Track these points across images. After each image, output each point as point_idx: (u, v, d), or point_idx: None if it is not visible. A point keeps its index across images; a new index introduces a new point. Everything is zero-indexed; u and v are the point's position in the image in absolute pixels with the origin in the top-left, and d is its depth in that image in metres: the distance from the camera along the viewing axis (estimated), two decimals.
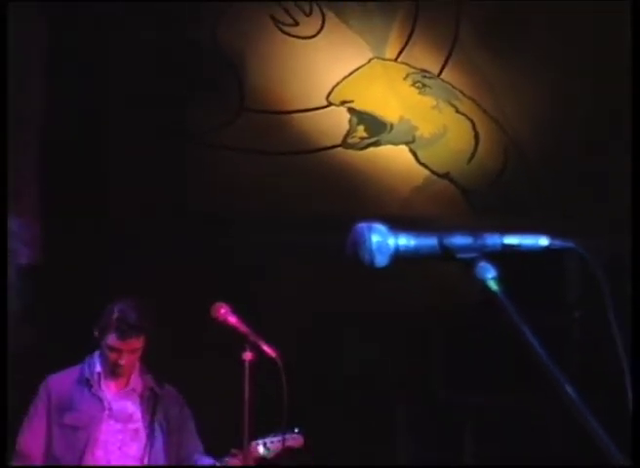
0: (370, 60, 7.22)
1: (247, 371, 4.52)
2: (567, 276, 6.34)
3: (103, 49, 6.84)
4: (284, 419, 4.34)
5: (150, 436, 5.12)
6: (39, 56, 6.65)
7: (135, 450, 5.12)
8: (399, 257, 1.97)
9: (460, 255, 1.98)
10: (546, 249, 2.04)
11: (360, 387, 6.53)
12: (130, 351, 5.03)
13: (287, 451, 5.11)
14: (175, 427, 5.20)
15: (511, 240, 2.02)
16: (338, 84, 7.22)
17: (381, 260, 1.96)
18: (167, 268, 6.37)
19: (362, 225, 1.97)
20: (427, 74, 7.24)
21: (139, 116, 6.93)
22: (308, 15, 7.16)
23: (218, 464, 5.05)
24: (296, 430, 5.08)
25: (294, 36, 7.17)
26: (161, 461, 5.15)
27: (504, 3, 7.03)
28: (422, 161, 7.25)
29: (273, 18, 7.11)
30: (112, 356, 5.04)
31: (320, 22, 7.15)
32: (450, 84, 7.23)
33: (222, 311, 4.73)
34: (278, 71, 7.18)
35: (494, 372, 5.80)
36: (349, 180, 7.13)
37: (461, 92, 7.24)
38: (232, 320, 4.68)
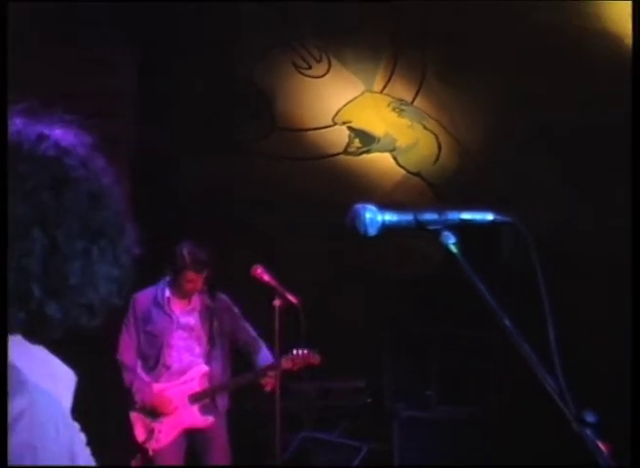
0: (363, 93, 7.17)
1: (277, 314, 4.48)
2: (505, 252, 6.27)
3: (176, 87, 6.77)
4: (302, 343, 4.28)
5: (210, 340, 5.09)
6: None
7: (198, 351, 5.10)
8: (385, 229, 1.93)
9: (429, 227, 1.94)
10: (492, 222, 1.98)
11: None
12: (202, 279, 4.97)
13: (308, 366, 5.08)
14: (227, 329, 5.14)
15: (466, 215, 1.97)
16: (340, 109, 7.17)
17: (372, 231, 1.92)
18: (222, 241, 6.32)
19: (358, 206, 1.94)
20: (404, 102, 7.19)
21: (201, 135, 6.88)
22: (319, 61, 7.10)
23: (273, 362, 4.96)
24: (316, 350, 5.04)
25: (308, 76, 7.11)
26: (220, 356, 5.11)
27: (459, 49, 6.97)
28: (401, 164, 7.22)
29: (294, 63, 7.05)
30: (189, 286, 4.97)
31: (327, 66, 7.09)
32: (420, 109, 7.18)
33: (259, 271, 4.69)
34: (298, 101, 7.14)
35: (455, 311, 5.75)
36: (348, 178, 7.09)
37: (428, 114, 7.19)
38: (266, 277, 4.64)
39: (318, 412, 6.01)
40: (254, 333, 5.20)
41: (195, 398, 5.04)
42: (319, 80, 7.10)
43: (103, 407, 5.64)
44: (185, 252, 4.92)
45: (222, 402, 5.14)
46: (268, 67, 7.04)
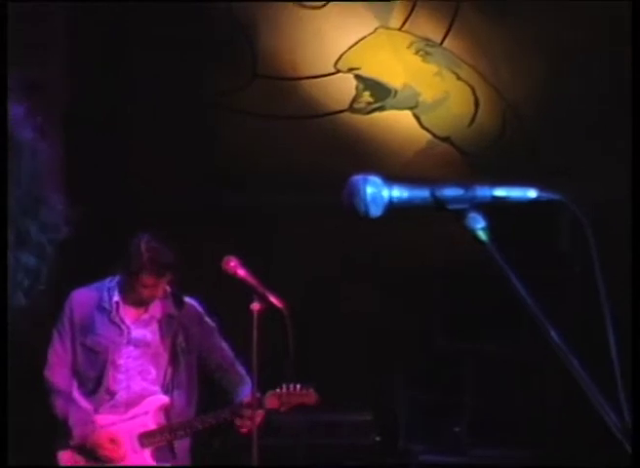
0: (375, 30, 7.17)
1: (255, 322, 4.47)
2: (565, 230, 6.29)
3: (122, 16, 6.76)
4: (290, 366, 4.28)
5: (172, 361, 5.03)
6: (62, 25, 6.57)
7: (154, 375, 5.04)
8: (393, 208, 1.93)
9: (450, 206, 1.93)
10: (535, 200, 1.98)
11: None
12: (163, 284, 4.93)
13: (299, 405, 5.08)
14: (196, 345, 5.07)
15: (500, 192, 1.97)
16: (345, 52, 7.17)
17: (375, 211, 1.91)
18: (181, 225, 6.33)
19: (357, 177, 1.93)
20: (430, 42, 7.19)
21: (154, 82, 6.87)
22: None
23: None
24: (311, 387, 5.04)
25: (303, 6, 7.09)
26: (184, 383, 5.05)
27: None
28: (425, 125, 7.22)
29: None
30: (146, 292, 4.91)
31: None
32: (451, 52, 7.18)
33: (232, 264, 4.66)
34: (288, 40, 7.13)
35: (490, 322, 5.76)
36: (355, 143, 7.09)
37: (462, 59, 7.19)
38: (241, 272, 4.61)
39: (308, 453, 6.03)
40: (231, 356, 5.15)
41: (148, 439, 5.00)
42: (317, 12, 7.09)
43: None
44: (144, 248, 4.83)
45: (182, 445, 5.12)
46: None
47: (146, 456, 5.02)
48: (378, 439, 6.09)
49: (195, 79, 7.03)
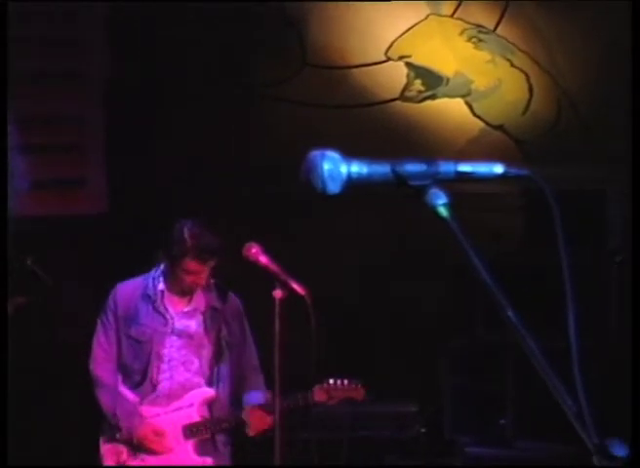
0: (427, 17, 7.11)
1: (277, 309, 4.42)
2: (610, 221, 6.16)
3: (172, 8, 6.78)
4: (313, 355, 4.22)
5: (217, 353, 5.01)
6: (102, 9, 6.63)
7: (197, 366, 5.02)
8: (352, 185, 1.87)
9: (412, 182, 1.86)
10: (501, 176, 1.90)
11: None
12: (207, 271, 4.90)
13: (348, 400, 5.05)
14: (236, 341, 5.06)
15: (465, 167, 1.89)
16: (396, 39, 7.12)
17: (333, 187, 1.85)
18: (227, 215, 6.33)
19: (315, 153, 1.88)
20: (483, 29, 7.11)
21: (204, 71, 6.88)
22: None
23: (267, 398, 4.97)
24: (359, 382, 5.01)
25: None
26: (226, 380, 5.04)
27: None
28: (477, 113, 7.13)
29: None
30: (189, 278, 4.88)
31: None
32: (505, 38, 7.10)
33: (254, 251, 4.60)
34: (338, 28, 7.10)
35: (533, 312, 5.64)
36: (406, 132, 7.03)
37: (516, 46, 7.09)
38: (263, 259, 4.54)
39: (353, 446, 5.98)
40: (257, 360, 5.15)
41: (192, 431, 4.97)
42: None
43: None
44: (187, 234, 4.80)
45: (223, 439, 5.12)
46: None
47: (190, 448, 5.01)
48: (423, 430, 6.02)
49: (244, 69, 7.01)
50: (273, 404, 4.67)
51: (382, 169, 1.88)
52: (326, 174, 1.85)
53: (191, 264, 4.84)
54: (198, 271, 4.87)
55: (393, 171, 1.87)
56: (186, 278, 4.90)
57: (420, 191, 1.86)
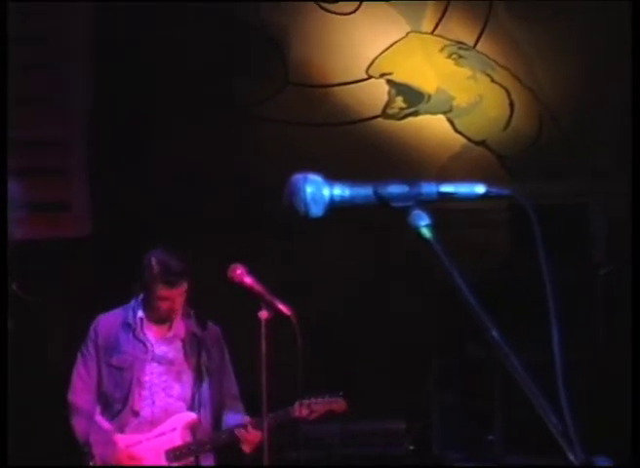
0: (407, 34, 7.13)
1: (263, 330, 4.44)
2: (594, 234, 6.18)
3: (151, 23, 6.79)
4: (299, 376, 4.24)
5: (197, 378, 5.06)
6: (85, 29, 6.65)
7: (178, 392, 5.06)
8: (334, 207, 1.89)
9: (394, 204, 1.88)
10: (483, 196, 1.92)
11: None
12: (180, 295, 4.96)
13: (329, 414, 5.07)
14: (216, 368, 5.12)
15: (447, 188, 1.91)
16: (376, 57, 7.14)
17: (316, 211, 1.88)
18: (206, 232, 6.35)
19: (297, 176, 1.90)
20: (463, 46, 7.13)
21: (186, 89, 6.89)
22: None
23: (247, 421, 4.99)
24: (340, 394, 5.03)
25: (333, 12, 7.07)
26: (207, 404, 5.08)
27: None
28: (459, 129, 7.15)
29: None
30: (164, 305, 4.96)
31: None
32: (485, 55, 7.12)
33: (238, 272, 4.64)
34: (319, 47, 7.12)
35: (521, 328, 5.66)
36: (389, 149, 7.05)
37: (496, 62, 7.12)
38: (248, 280, 4.59)
39: (342, 463, 5.98)
40: (236, 389, 5.19)
41: (176, 455, 4.99)
42: (348, 18, 7.06)
43: None
44: (154, 261, 4.91)
45: (207, 461, 5.13)
46: (280, 2, 7.03)
47: None
48: (411, 448, 6.02)
49: (226, 87, 7.03)
50: (256, 423, 4.78)
51: (365, 191, 1.90)
52: (309, 197, 1.87)
53: (162, 290, 4.92)
54: (170, 297, 4.95)
55: (375, 193, 1.89)
56: (161, 305, 4.98)
57: (403, 212, 1.88)
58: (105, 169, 6.67)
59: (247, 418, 4.98)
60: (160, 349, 5.06)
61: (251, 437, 4.92)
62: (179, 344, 5.08)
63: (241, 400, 5.17)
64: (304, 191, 1.87)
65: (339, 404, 5.03)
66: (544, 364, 1.92)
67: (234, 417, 5.08)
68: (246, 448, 4.95)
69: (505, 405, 5.88)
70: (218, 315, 5.10)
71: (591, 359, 5.79)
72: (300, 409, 4.94)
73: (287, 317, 4.36)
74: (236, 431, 4.96)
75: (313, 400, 4.98)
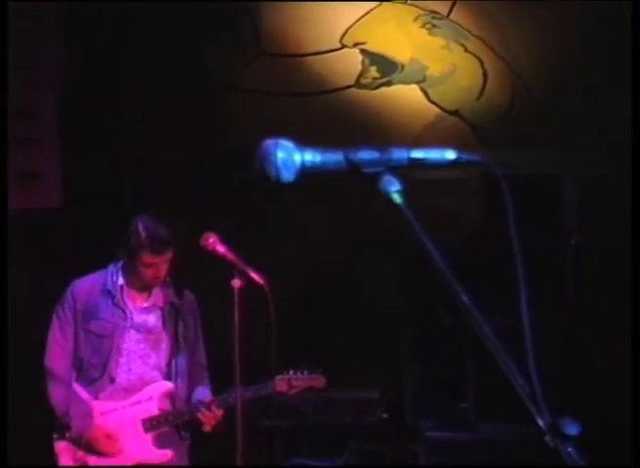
0: (381, 3, 7.12)
1: (236, 298, 4.44)
2: (566, 203, 6.20)
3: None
4: (272, 347, 4.25)
5: (174, 348, 5.08)
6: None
7: (154, 360, 5.07)
8: (306, 173, 1.89)
9: (365, 170, 1.89)
10: (454, 162, 1.92)
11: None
12: (164, 263, 4.94)
13: (309, 390, 5.12)
14: (191, 337, 5.15)
15: (417, 153, 1.92)
16: (350, 27, 7.12)
17: (287, 176, 1.88)
18: (186, 204, 6.33)
19: (268, 141, 1.90)
20: (437, 15, 7.11)
21: (155, 58, 6.85)
22: None
23: (211, 398, 5.02)
24: (319, 370, 5.06)
25: None
26: (184, 371, 5.11)
27: None
28: (433, 99, 7.14)
29: None
30: (149, 272, 4.94)
31: None
32: (458, 24, 7.10)
33: (211, 240, 4.64)
34: (293, 16, 7.09)
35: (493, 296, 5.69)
36: (362, 119, 7.03)
37: (470, 31, 7.11)
38: (220, 249, 4.59)
39: (316, 432, 6.01)
40: (204, 358, 5.22)
41: (152, 424, 5.00)
42: None
43: None
44: (141, 227, 4.88)
45: (184, 430, 5.14)
46: None
47: (148, 442, 5.01)
48: (384, 416, 6.07)
49: (199, 57, 6.99)
50: (223, 398, 4.84)
51: (336, 157, 1.90)
52: (279, 162, 1.87)
53: (148, 257, 4.90)
54: (156, 263, 4.92)
55: (346, 158, 1.90)
56: (146, 272, 4.95)
57: (374, 178, 1.88)
58: (77, 140, 6.62)
59: (209, 396, 5.02)
60: (139, 317, 5.06)
61: (209, 418, 4.94)
62: (158, 313, 5.09)
63: (207, 369, 5.21)
64: (275, 156, 1.87)
65: (318, 380, 5.08)
66: (515, 330, 1.93)
67: (202, 392, 5.11)
68: (206, 428, 4.96)
69: (478, 372, 5.91)
70: (190, 284, 5.09)
71: (561, 326, 5.83)
72: (281, 384, 5.00)
73: (260, 286, 4.36)
74: (197, 413, 4.97)
75: (293, 375, 5.02)
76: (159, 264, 4.92)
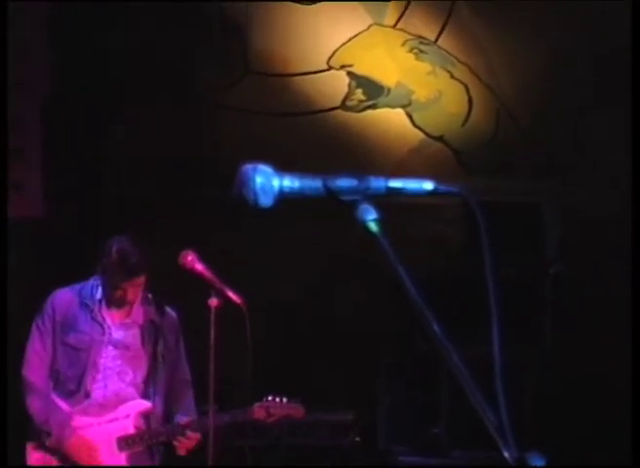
0: (369, 27, 7.15)
1: (213, 317, 4.43)
2: (547, 233, 6.24)
3: (111, 8, 6.75)
4: (248, 367, 4.24)
5: (153, 366, 5.02)
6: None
7: (131, 377, 5.02)
8: (284, 198, 1.90)
9: (343, 197, 1.90)
10: (432, 193, 1.94)
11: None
12: (135, 287, 4.91)
13: (286, 419, 5.08)
14: (172, 356, 5.09)
15: (395, 183, 1.93)
16: (338, 49, 7.15)
17: (265, 201, 1.89)
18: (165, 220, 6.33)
19: (247, 166, 1.91)
20: (424, 41, 7.15)
21: (141, 75, 6.85)
22: None
23: (188, 420, 4.97)
24: (298, 400, 5.04)
25: (296, 1, 7.07)
26: (162, 390, 5.05)
27: None
28: (418, 124, 7.17)
29: None
30: (117, 293, 4.91)
31: None
32: (445, 50, 7.15)
33: (189, 258, 4.63)
34: (281, 36, 7.12)
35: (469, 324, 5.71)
36: (347, 141, 7.06)
37: (456, 58, 7.15)
38: (199, 267, 4.58)
39: (289, 454, 6.00)
40: (189, 375, 5.16)
41: (127, 443, 4.95)
42: (310, 8, 7.06)
43: None
44: (114, 249, 4.84)
45: (159, 452, 5.09)
46: None
47: (122, 461, 4.97)
48: (357, 439, 6.06)
49: (186, 75, 7.00)
50: (201, 421, 4.78)
51: (314, 183, 1.91)
52: (258, 187, 1.88)
53: (116, 281, 4.87)
54: (124, 287, 4.89)
55: (324, 185, 1.91)
56: (115, 293, 4.92)
57: (351, 206, 1.90)
58: (60, 150, 6.62)
59: (185, 420, 4.96)
60: (117, 333, 5.01)
61: (184, 443, 4.90)
62: (136, 330, 5.04)
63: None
64: (254, 181, 1.88)
65: (297, 410, 5.03)
66: (490, 359, 1.94)
67: (185, 412, 5.06)
68: (181, 451, 4.93)
69: (451, 399, 5.92)
70: (168, 302, 5.07)
71: (538, 357, 5.85)
72: (259, 411, 4.94)
73: (237, 305, 4.36)
74: (175, 435, 4.93)
75: (272, 402, 4.97)
76: (127, 288, 4.89)
